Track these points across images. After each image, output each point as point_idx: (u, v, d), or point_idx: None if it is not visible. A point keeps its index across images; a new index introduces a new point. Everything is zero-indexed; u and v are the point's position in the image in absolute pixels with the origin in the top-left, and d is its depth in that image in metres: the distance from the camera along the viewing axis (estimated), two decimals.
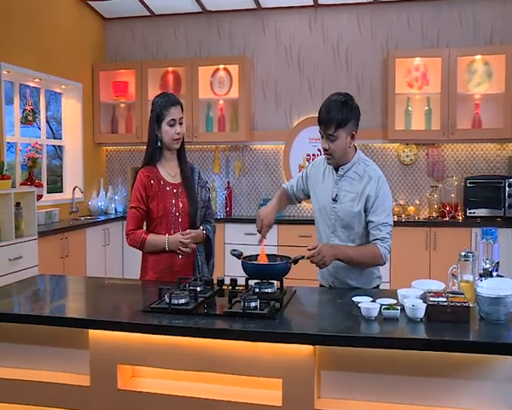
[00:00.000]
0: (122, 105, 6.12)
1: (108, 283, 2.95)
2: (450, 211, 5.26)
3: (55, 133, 7.26)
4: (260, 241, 2.56)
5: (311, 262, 2.44)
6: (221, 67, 5.77)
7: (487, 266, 2.12)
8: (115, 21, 6.20)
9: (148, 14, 5.99)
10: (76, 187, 5.64)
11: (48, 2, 5.27)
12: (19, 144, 5.12)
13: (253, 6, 5.73)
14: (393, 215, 5.35)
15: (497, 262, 2.11)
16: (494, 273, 2.10)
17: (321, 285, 2.74)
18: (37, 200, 5.05)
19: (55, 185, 6.30)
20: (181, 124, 2.82)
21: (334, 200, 2.58)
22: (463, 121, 5.29)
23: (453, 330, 1.86)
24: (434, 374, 1.88)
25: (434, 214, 5.37)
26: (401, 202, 5.52)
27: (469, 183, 5.20)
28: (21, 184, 4.98)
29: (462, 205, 5.30)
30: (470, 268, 2.19)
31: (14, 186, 5.02)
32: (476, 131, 5.27)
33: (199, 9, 5.86)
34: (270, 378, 1.96)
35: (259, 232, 2.59)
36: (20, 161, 5.09)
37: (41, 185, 5.14)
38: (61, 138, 5.94)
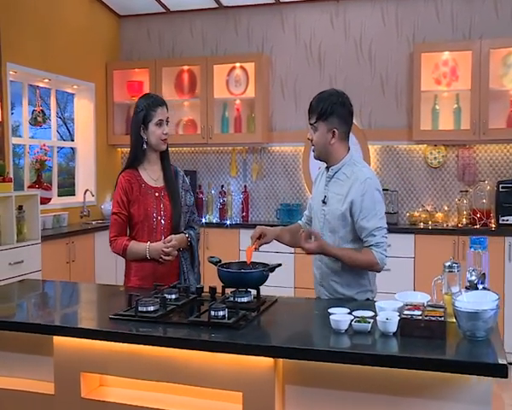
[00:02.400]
0: None
1: (88, 288, 3.03)
2: (481, 218, 5.12)
3: (72, 135, 7.47)
4: (249, 247, 2.56)
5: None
6: (237, 65, 5.82)
7: (473, 277, 2.07)
8: (130, 19, 6.35)
9: (164, 10, 6.11)
10: (87, 190, 5.80)
11: (57, 1, 5.44)
12: (27, 146, 5.31)
13: (272, 0, 5.76)
14: (420, 222, 5.30)
15: (483, 274, 2.05)
16: (480, 286, 2.04)
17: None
18: (46, 203, 5.25)
19: (73, 188, 6.49)
20: (167, 124, 2.89)
21: (324, 202, 2.60)
22: (497, 120, 5.14)
23: (424, 347, 1.83)
24: (404, 393, 1.85)
25: (464, 221, 5.23)
26: (428, 209, 5.41)
27: (502, 187, 5.05)
28: (29, 187, 5.17)
29: (494, 212, 5.15)
30: (457, 280, 2.15)
31: (21, 189, 5.24)
32: None
33: (215, 5, 5.93)
34: (230, 391, 1.98)
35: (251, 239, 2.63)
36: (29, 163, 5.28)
37: (49, 188, 5.31)
38: None
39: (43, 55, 5.25)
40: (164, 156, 2.94)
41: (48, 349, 2.21)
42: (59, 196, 6.00)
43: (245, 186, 6.01)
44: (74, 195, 6.09)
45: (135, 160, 2.89)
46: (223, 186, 6.03)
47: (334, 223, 2.54)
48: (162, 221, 2.84)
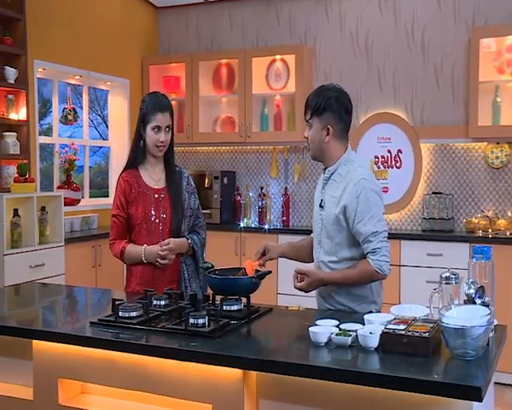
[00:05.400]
0: (173, 102, 6.37)
1: (87, 292, 3.18)
2: None
3: None
4: (249, 261, 2.64)
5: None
6: (277, 57, 5.88)
7: (471, 291, 2.03)
8: (168, 10, 6.56)
9: (202, 0, 6.27)
10: None
11: None
12: (57, 145, 5.60)
13: None
14: (478, 230, 5.14)
15: (481, 287, 2.01)
16: (478, 300, 2.00)
17: None
18: (75, 204, 5.52)
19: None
20: (168, 131, 2.96)
21: (321, 206, 2.63)
22: None
23: (402, 364, 1.83)
24: None
25: None
26: (488, 215, 5.24)
27: None
28: (58, 188, 5.45)
29: None
30: (458, 292, 2.11)
31: (51, 189, 5.54)
32: None
33: None
34: (201, 403, 2.05)
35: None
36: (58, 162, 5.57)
37: (78, 189, 5.57)
38: None
39: (74, 51, 5.51)
40: (168, 156, 3.03)
41: (28, 354, 2.36)
42: (95, 196, 6.28)
43: (286, 188, 6.05)
44: (108, 196, 6.35)
45: (134, 159, 3.01)
46: (262, 188, 6.09)
47: (330, 228, 2.56)
48: (161, 224, 2.94)
